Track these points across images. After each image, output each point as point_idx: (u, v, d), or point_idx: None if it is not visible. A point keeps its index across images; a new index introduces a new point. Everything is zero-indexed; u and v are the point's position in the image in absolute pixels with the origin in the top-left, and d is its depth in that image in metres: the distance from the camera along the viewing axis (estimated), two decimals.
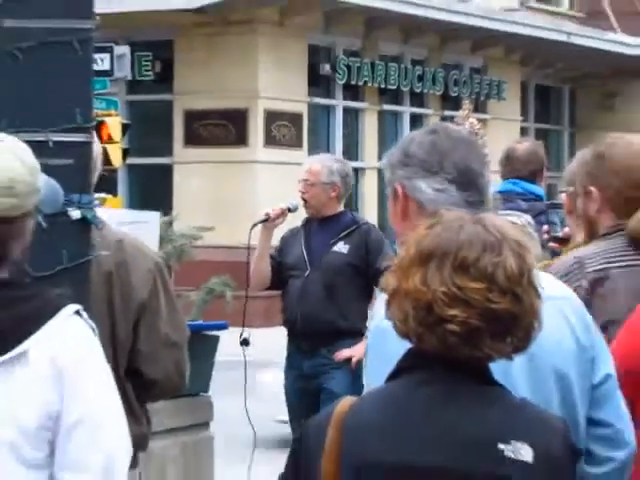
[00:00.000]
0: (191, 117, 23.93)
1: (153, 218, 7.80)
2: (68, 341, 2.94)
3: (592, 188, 4.16)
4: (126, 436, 3.03)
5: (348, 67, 25.50)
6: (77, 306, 3.02)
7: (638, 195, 3.95)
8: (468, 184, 3.49)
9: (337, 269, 8.11)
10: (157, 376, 4.78)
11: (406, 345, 2.79)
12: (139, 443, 3.77)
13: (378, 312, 3.28)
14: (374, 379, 3.18)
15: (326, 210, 8.63)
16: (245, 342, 8.61)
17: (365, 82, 26.12)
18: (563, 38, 29.26)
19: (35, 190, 3.02)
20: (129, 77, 18.25)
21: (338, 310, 7.89)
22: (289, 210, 8.57)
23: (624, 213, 4.05)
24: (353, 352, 7.14)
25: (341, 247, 8.16)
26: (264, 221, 8.46)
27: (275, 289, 8.53)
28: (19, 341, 2.87)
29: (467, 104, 27.12)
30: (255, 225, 8.67)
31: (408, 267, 2.66)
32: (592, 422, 3.37)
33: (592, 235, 4.33)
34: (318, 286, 8.07)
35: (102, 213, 4.25)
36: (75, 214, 3.84)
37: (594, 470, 3.35)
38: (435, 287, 2.58)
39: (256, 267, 8.27)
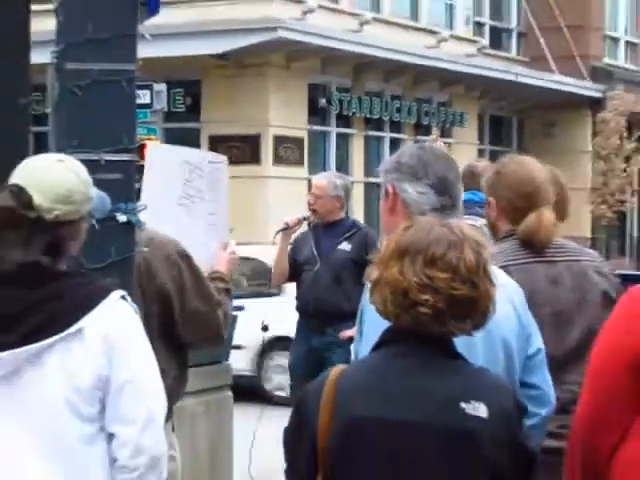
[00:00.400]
0: (214, 141, 23.89)
1: (220, 161, 7.21)
2: (116, 320, 2.95)
3: (491, 199, 4.23)
4: (162, 395, 3.10)
5: (340, 101, 25.47)
6: (123, 292, 3.03)
7: (524, 205, 3.97)
8: (444, 190, 3.57)
9: (342, 264, 8.31)
10: (192, 339, 4.86)
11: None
12: (171, 398, 3.77)
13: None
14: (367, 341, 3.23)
15: (331, 217, 8.79)
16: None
17: (354, 113, 26.10)
18: (512, 78, 29.28)
19: (88, 199, 3.03)
20: (165, 109, 18.22)
21: (343, 296, 8.00)
22: (303, 219, 8.77)
23: (514, 220, 4.07)
24: (354, 332, 7.23)
25: (345, 246, 8.38)
26: (284, 229, 8.57)
27: (291, 281, 8.72)
28: (76, 320, 2.87)
29: (435, 131, 27.08)
30: (278, 232, 8.78)
31: (388, 260, 2.69)
32: (525, 385, 3.46)
33: (495, 238, 4.41)
34: (326, 277, 8.26)
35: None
36: (122, 218, 3.84)
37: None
38: (409, 277, 2.62)
39: (278, 265, 8.45)
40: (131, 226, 3.92)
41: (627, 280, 6.98)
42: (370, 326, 3.26)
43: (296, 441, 2.66)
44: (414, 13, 28.38)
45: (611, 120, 29.69)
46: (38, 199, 2.87)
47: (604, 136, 29.71)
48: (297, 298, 8.64)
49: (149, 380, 3.00)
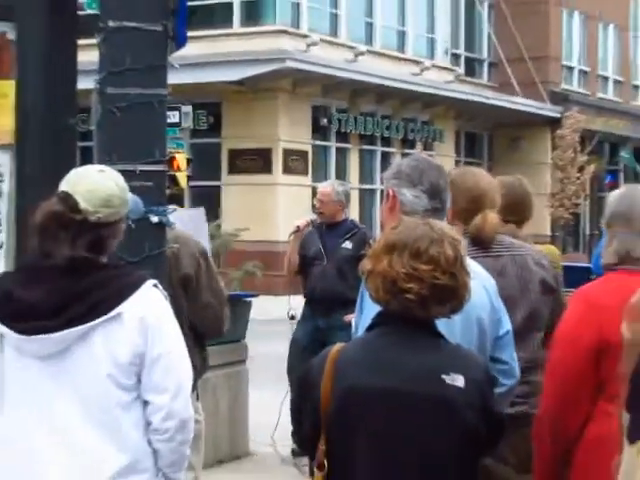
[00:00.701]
0: (233, 154, 23.89)
1: (200, 212, 7.77)
2: (150, 305, 2.95)
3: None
4: (189, 368, 3.08)
5: (339, 120, 25.41)
6: (155, 281, 3.03)
7: (472, 208, 3.92)
8: (435, 195, 3.57)
9: (344, 260, 8.37)
10: (204, 328, 4.82)
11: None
12: (196, 373, 3.78)
13: None
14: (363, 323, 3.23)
15: (334, 218, 8.89)
16: (292, 317, 9.05)
17: (350, 130, 26.05)
18: (483, 100, 29.22)
19: (125, 203, 3.03)
20: (191, 127, 18.20)
21: (346, 286, 8.03)
22: (311, 221, 8.87)
23: (465, 221, 4.03)
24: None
25: (347, 245, 8.50)
26: (296, 232, 8.71)
27: (300, 273, 8.75)
28: (116, 306, 2.87)
29: (419, 145, 27.14)
30: (291, 234, 8.92)
31: (379, 254, 2.69)
32: (495, 360, 3.43)
33: None
34: (332, 271, 8.37)
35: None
36: (154, 219, 3.86)
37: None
38: (398, 268, 2.62)
39: (290, 259, 8.60)
40: (162, 226, 3.95)
41: (571, 269, 6.93)
42: (368, 308, 3.24)
43: (302, 407, 2.66)
44: (401, 46, 28.30)
45: (567, 136, 29.71)
46: (83, 204, 2.87)
47: (561, 150, 29.74)
48: (305, 287, 8.68)
49: (178, 355, 3.00)
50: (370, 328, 2.71)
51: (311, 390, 2.62)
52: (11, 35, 4.28)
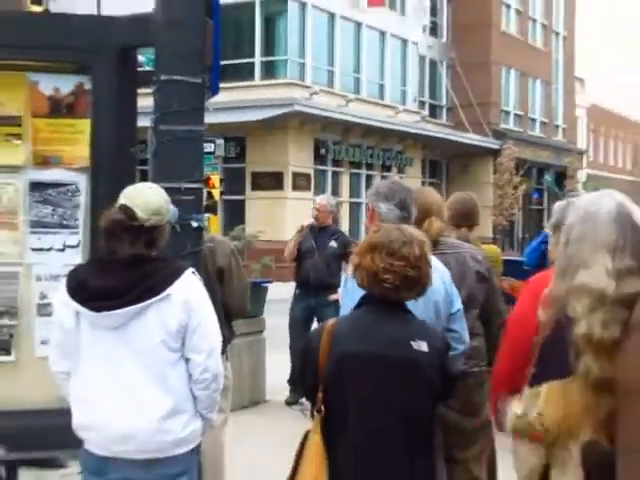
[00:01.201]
0: (254, 176, 23.97)
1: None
2: (190, 288, 2.97)
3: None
4: (219, 336, 3.10)
5: (334, 150, 25.47)
6: (193, 269, 3.05)
7: (422, 217, 3.92)
8: (403, 208, 3.66)
9: (331, 255, 8.39)
10: (232, 307, 4.74)
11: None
12: (225, 340, 3.78)
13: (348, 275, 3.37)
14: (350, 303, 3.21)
15: (325, 223, 8.83)
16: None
17: (343, 158, 26.11)
18: (443, 136, 29.29)
19: (169, 212, 3.08)
20: (222, 155, 18.23)
21: (331, 274, 8.17)
22: (310, 224, 8.74)
23: (419, 226, 4.00)
24: (337, 296, 7.28)
25: (333, 244, 8.48)
26: (300, 231, 8.69)
27: (295, 262, 8.68)
28: (165, 289, 2.90)
29: (394, 170, 27.19)
30: (297, 232, 8.85)
31: (364, 252, 2.72)
32: (449, 330, 3.49)
33: None
34: (322, 264, 8.32)
35: None
36: (194, 224, 3.86)
37: None
38: (378, 264, 2.65)
39: (291, 250, 8.52)
40: (200, 229, 3.93)
41: (509, 262, 6.94)
42: (352, 291, 3.23)
43: (305, 367, 2.68)
44: (381, 95, 28.32)
45: (504, 163, 29.84)
46: (139, 213, 2.92)
47: (500, 173, 29.87)
48: (300, 274, 8.64)
49: (211, 326, 3.01)
50: (357, 307, 2.72)
51: (312, 354, 2.64)
52: (88, 85, 4.27)
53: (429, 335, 2.63)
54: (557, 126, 37.21)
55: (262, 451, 3.48)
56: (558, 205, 3.44)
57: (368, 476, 2.55)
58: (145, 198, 2.99)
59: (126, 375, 2.91)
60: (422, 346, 2.56)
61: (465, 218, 4.67)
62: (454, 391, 2.74)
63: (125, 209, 2.92)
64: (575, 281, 2.29)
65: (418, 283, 2.63)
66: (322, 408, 2.55)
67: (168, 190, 3.77)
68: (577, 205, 2.47)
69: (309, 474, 2.49)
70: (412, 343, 2.57)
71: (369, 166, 27.44)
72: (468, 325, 4.02)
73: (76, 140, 4.27)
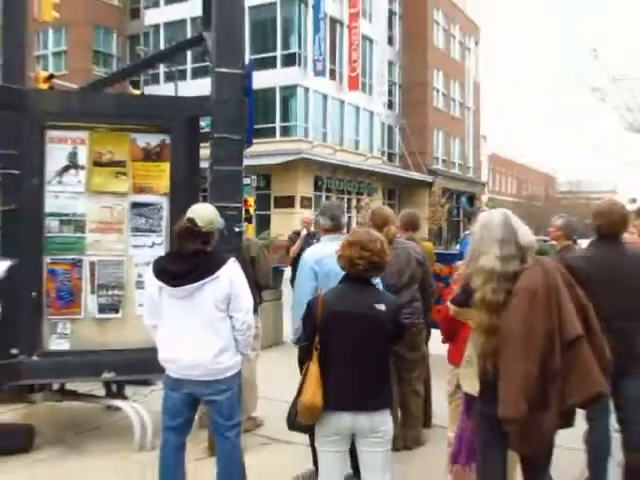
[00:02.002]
0: (276, 198, 23.93)
1: None
2: (232, 270, 2.91)
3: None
4: (251, 301, 3.03)
5: (327, 183, 25.43)
6: (234, 258, 3.00)
7: (382, 224, 3.86)
8: (333, 220, 3.47)
9: None
10: (261, 283, 4.61)
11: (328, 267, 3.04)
12: (256, 304, 3.76)
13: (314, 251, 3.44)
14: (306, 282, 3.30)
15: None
16: None
17: (332, 188, 25.99)
18: (396, 174, 29.26)
19: (219, 221, 3.03)
20: (255, 185, 18.22)
21: None
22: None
23: (380, 231, 3.96)
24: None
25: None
26: (302, 238, 8.09)
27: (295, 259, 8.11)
28: (215, 271, 2.86)
29: (365, 195, 27.05)
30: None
31: (345, 247, 2.63)
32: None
33: None
34: None
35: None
36: (237, 229, 3.85)
37: None
38: (353, 254, 2.56)
39: (294, 252, 7.83)
40: (240, 233, 3.92)
41: (440, 255, 6.93)
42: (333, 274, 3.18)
43: (307, 321, 2.61)
44: (357, 147, 28.25)
45: (435, 191, 29.72)
46: (200, 223, 2.91)
47: (432, 197, 29.69)
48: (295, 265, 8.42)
49: (246, 294, 2.96)
50: (340, 282, 2.65)
51: (311, 312, 2.58)
52: (168, 141, 4.25)
53: (386, 300, 2.59)
54: (469, 167, 37.17)
55: (280, 375, 3.46)
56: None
57: (348, 389, 2.51)
58: (202, 213, 2.98)
59: (192, 327, 2.89)
60: (382, 307, 2.52)
61: (411, 225, 4.65)
62: (403, 335, 2.69)
63: (190, 220, 2.92)
64: (477, 264, 2.32)
65: (379, 267, 2.59)
66: (318, 347, 2.51)
67: (220, 208, 3.73)
68: (479, 217, 2.54)
69: (310, 389, 2.46)
70: (375, 305, 2.53)
71: (349, 192, 27.26)
72: (411, 294, 4.01)
73: (160, 176, 4.26)
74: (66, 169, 4.13)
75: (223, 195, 3.81)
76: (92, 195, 4.16)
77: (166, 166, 4.24)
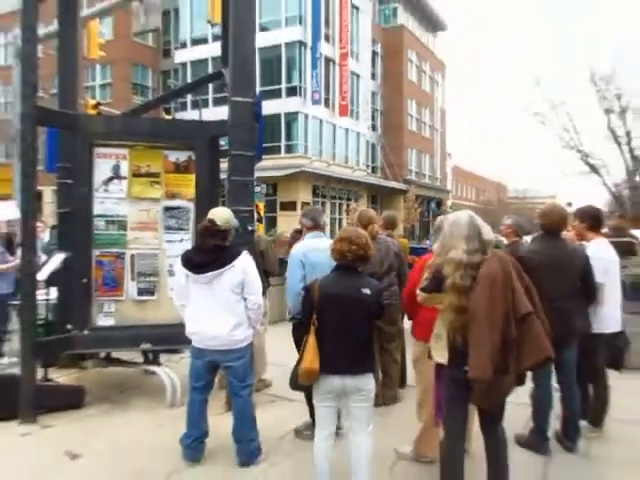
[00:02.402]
0: (282, 204, 23.71)
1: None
2: (246, 261, 2.86)
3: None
4: (260, 286, 2.99)
5: (322, 191, 25.23)
6: (247, 251, 2.96)
7: (367, 223, 3.78)
8: (313, 220, 3.41)
9: None
10: (269, 271, 4.52)
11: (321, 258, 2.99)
12: (265, 287, 3.72)
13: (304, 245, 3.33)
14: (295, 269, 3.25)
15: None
16: None
17: (326, 194, 25.76)
18: (379, 184, 29.10)
19: (234, 221, 2.98)
20: (264, 192, 18.12)
21: None
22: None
23: (366, 229, 3.90)
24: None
25: None
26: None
27: None
28: (232, 262, 2.82)
29: (353, 201, 26.89)
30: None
31: (337, 241, 2.57)
32: None
33: None
34: None
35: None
36: (249, 228, 3.81)
37: None
38: (343, 248, 2.52)
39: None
40: (253, 231, 3.89)
41: (413, 248, 6.96)
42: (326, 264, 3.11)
43: (306, 302, 2.57)
44: (346, 161, 27.97)
45: (410, 197, 29.57)
46: (218, 222, 2.87)
47: (407, 203, 29.44)
48: None
49: (256, 280, 2.93)
50: (332, 271, 2.61)
51: (310, 294, 2.53)
52: (194, 157, 4.22)
53: (370, 285, 2.54)
54: (436, 178, 37.02)
55: (284, 345, 3.43)
56: (438, 219, 3.43)
57: (339, 357, 2.48)
58: (220, 214, 2.95)
59: (212, 307, 2.87)
60: (367, 291, 2.49)
61: (390, 224, 4.61)
62: (384, 313, 2.65)
63: (210, 220, 2.89)
64: (447, 256, 2.32)
65: (365, 258, 2.55)
66: (316, 323, 2.49)
67: (236, 211, 3.67)
68: (449, 217, 2.52)
69: (308, 357, 2.45)
70: (361, 289, 2.49)
71: (340, 198, 27.01)
72: (390, 280, 3.97)
73: (188, 185, 4.23)
74: (111, 179, 4.11)
75: (238, 200, 3.78)
76: (132, 200, 4.14)
77: (192, 177, 4.22)
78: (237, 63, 3.80)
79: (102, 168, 4.08)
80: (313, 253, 3.19)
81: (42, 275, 4.03)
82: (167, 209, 4.19)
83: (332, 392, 2.51)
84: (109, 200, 4.09)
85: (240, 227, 3.45)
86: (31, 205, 3.66)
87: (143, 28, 8.77)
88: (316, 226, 3.41)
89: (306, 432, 3.24)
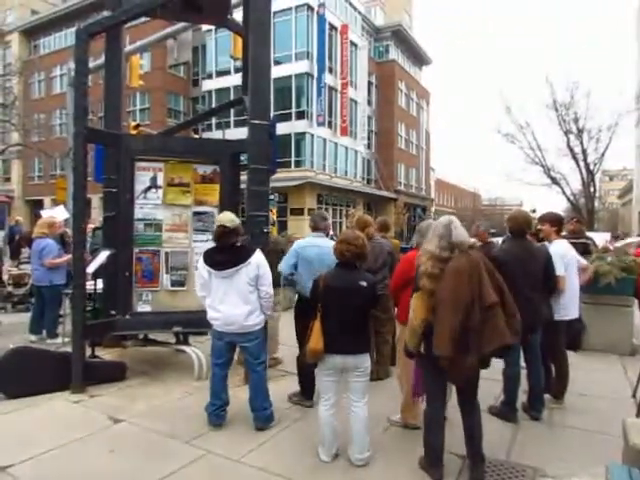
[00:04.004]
0: (292, 210, 23.64)
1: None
2: (259, 258, 2.83)
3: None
4: (271, 278, 2.93)
5: (326, 199, 25.08)
6: (259, 249, 2.93)
7: (364, 227, 3.71)
8: (319, 223, 3.43)
9: None
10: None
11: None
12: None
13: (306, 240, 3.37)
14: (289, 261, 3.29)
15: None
16: None
17: (329, 202, 25.64)
18: (372, 192, 28.95)
19: (236, 219, 2.95)
20: (277, 200, 18.08)
21: None
22: None
23: (363, 232, 3.81)
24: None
25: None
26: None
27: None
28: (247, 259, 2.80)
29: (352, 207, 26.72)
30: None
31: (338, 243, 2.56)
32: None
33: None
34: None
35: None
36: (265, 230, 3.78)
37: None
38: (343, 248, 2.51)
39: None
40: (267, 233, 3.84)
41: (402, 248, 6.94)
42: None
43: (313, 292, 2.55)
44: (346, 174, 27.88)
45: (399, 205, 29.47)
46: (227, 224, 2.88)
47: (397, 209, 29.38)
48: None
49: (268, 273, 2.90)
50: (335, 267, 2.58)
51: (316, 286, 2.52)
52: (218, 170, 4.21)
53: (367, 279, 2.53)
54: (422, 188, 36.83)
55: (292, 330, 3.42)
56: (420, 223, 3.40)
57: (341, 339, 2.47)
58: (225, 217, 2.94)
59: (230, 297, 2.85)
60: (364, 283, 2.48)
61: (384, 228, 4.57)
62: (378, 302, 2.66)
63: (220, 225, 2.90)
64: (424, 247, 2.34)
65: (361, 256, 2.54)
66: (320, 310, 2.49)
67: (254, 216, 3.69)
68: (434, 222, 2.52)
69: (314, 339, 2.45)
70: (360, 282, 2.49)
71: (340, 205, 26.85)
72: (383, 274, 3.92)
73: (213, 194, 4.21)
74: (149, 189, 4.11)
75: (256, 207, 3.77)
76: (167, 206, 4.13)
77: (217, 187, 4.21)
78: (256, 92, 3.80)
79: (141, 179, 4.08)
80: (309, 247, 3.30)
81: (90, 269, 4.03)
82: (195, 214, 4.18)
83: (334, 368, 2.51)
84: (147, 206, 4.08)
85: (257, 229, 3.46)
86: (81, 210, 3.67)
87: (176, 61, 8.81)
88: (316, 228, 3.45)
89: (294, 398, 3.37)
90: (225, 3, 4.61)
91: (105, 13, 4.19)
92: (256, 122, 3.77)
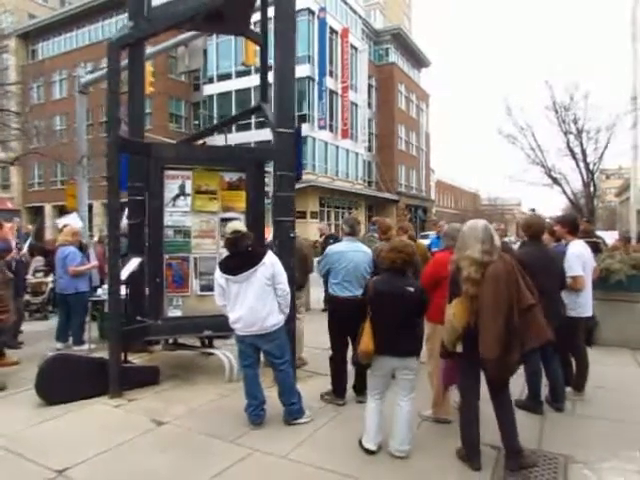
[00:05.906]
0: (297, 214, 23.55)
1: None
2: (272, 257, 2.89)
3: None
4: (286, 275, 2.98)
5: (328, 201, 25.16)
6: (271, 252, 2.99)
7: (386, 230, 3.83)
8: (351, 228, 3.47)
9: None
10: (308, 270, 4.58)
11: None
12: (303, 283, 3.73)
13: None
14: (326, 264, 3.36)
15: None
16: None
17: (331, 205, 25.70)
18: (373, 194, 29.00)
19: (243, 226, 3.03)
20: None
21: None
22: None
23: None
24: None
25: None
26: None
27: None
28: (262, 260, 2.86)
29: (354, 209, 26.63)
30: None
31: (388, 250, 2.58)
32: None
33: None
34: None
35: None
36: (291, 235, 3.81)
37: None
38: (392, 255, 2.53)
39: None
40: (294, 237, 3.90)
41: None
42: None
43: (364, 296, 2.62)
44: (347, 176, 27.90)
45: (400, 206, 29.44)
46: (240, 229, 2.96)
47: (398, 210, 29.35)
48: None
49: (283, 271, 2.95)
50: (384, 272, 2.61)
51: (366, 291, 2.59)
52: (244, 177, 4.30)
53: (414, 285, 2.57)
54: (422, 189, 36.88)
55: (310, 330, 3.45)
56: (446, 228, 3.32)
57: (390, 341, 2.53)
58: (233, 225, 3.03)
59: (249, 300, 2.92)
60: (411, 289, 2.54)
61: (404, 230, 4.57)
62: (426, 308, 2.66)
63: (231, 233, 2.96)
64: (464, 253, 2.41)
65: (410, 264, 2.59)
66: (370, 313, 2.56)
67: (280, 221, 3.72)
68: (468, 223, 2.55)
69: (365, 341, 2.53)
70: (407, 287, 2.54)
71: (342, 207, 26.81)
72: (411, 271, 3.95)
73: (239, 200, 4.30)
74: (178, 196, 4.20)
75: (282, 212, 3.81)
76: (195, 213, 4.21)
77: (243, 193, 4.29)
78: (281, 101, 3.86)
79: (171, 187, 4.16)
80: (347, 253, 3.35)
81: (123, 275, 4.12)
82: (223, 220, 4.24)
83: (384, 368, 2.61)
84: (177, 213, 4.15)
85: (284, 235, 3.51)
86: (115, 218, 3.76)
87: (187, 69, 8.87)
88: (353, 233, 3.49)
89: (327, 396, 3.44)
90: (247, 13, 4.66)
91: (126, 19, 4.14)
92: (282, 130, 3.83)
